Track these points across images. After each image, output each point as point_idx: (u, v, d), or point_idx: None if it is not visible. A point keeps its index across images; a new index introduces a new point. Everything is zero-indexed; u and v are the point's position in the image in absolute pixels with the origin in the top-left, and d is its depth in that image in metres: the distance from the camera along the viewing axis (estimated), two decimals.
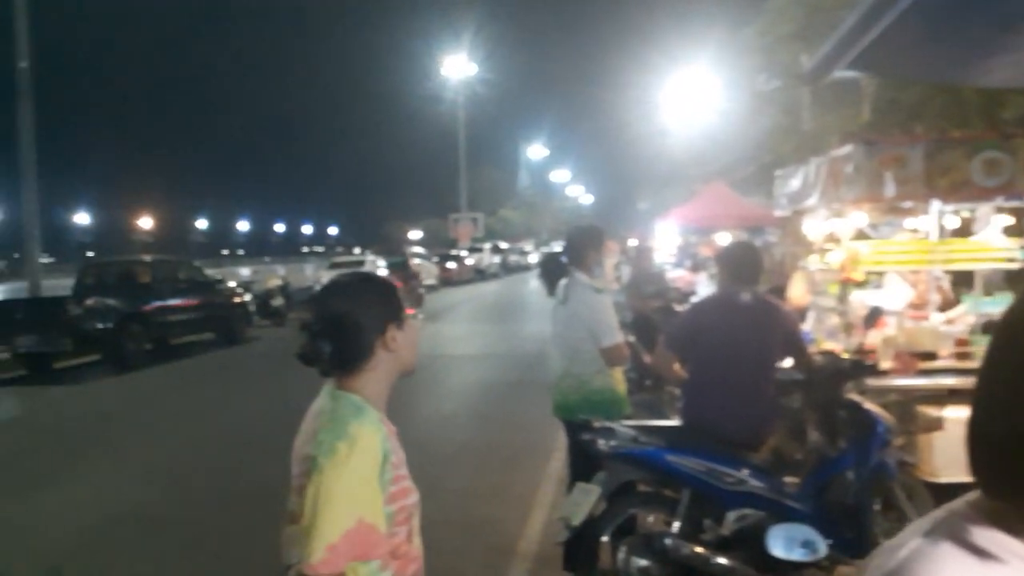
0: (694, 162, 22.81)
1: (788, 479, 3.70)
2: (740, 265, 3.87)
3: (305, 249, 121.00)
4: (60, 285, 16.39)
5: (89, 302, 12.07)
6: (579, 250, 4.20)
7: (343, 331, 1.64)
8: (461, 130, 41.95)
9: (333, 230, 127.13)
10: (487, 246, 41.66)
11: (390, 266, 25.48)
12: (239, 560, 4.63)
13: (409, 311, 1.77)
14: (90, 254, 73.56)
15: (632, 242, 19.39)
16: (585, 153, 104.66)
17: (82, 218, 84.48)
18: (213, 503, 5.76)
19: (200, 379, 11.91)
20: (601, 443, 3.55)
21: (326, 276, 24.07)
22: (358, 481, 1.53)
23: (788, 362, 4.11)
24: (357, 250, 47.18)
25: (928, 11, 2.51)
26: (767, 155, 14.04)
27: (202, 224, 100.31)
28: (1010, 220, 5.68)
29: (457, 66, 41.94)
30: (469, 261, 36.92)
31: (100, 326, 11.90)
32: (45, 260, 16.31)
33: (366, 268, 24.12)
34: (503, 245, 47.50)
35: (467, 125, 42.67)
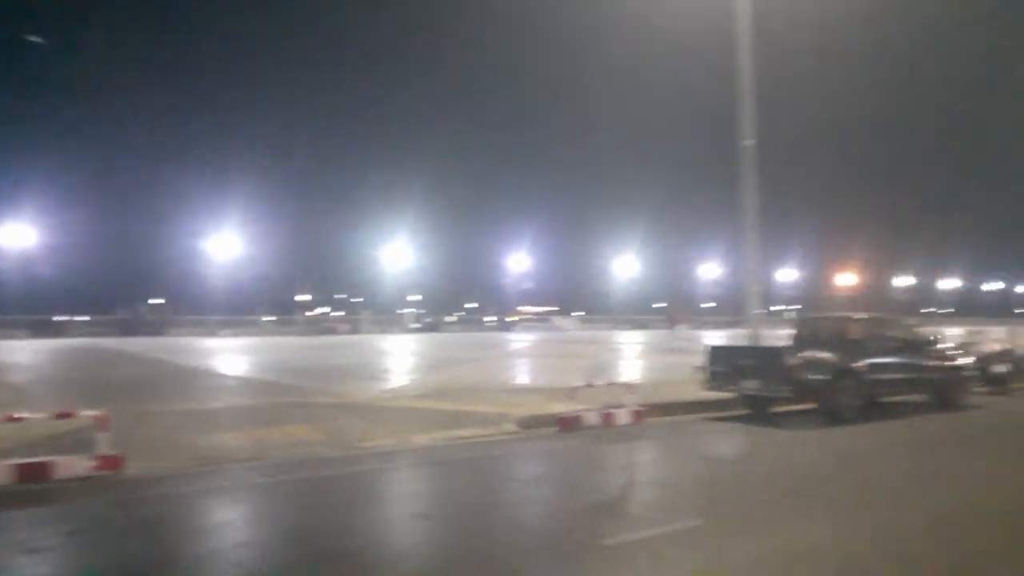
0: None
1: None
2: None
3: (1019, 310, 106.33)
4: (771, 335, 17.72)
5: (805, 354, 12.70)
6: None
7: None
8: None
9: None
10: None
11: None
12: None
13: None
14: (792, 307, 78.22)
15: None
16: None
17: (787, 275, 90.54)
18: None
19: (915, 444, 11.22)
20: None
21: None
22: None
23: None
24: None
25: None
26: None
27: (902, 281, 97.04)
28: None
29: None
30: None
31: (815, 378, 12.39)
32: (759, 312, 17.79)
33: None
34: None
35: None
